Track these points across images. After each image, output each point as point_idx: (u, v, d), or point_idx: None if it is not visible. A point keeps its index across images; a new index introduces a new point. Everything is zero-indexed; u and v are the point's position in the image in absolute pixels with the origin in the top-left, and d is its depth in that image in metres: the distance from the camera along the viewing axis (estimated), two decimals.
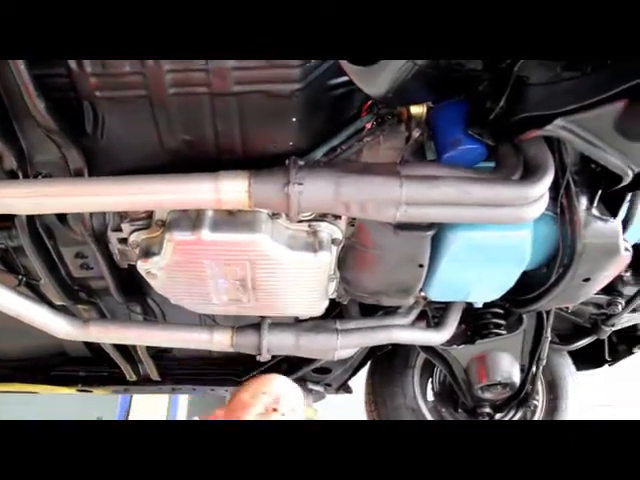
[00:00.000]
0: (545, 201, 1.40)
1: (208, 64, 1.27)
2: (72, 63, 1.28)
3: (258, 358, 1.89)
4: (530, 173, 1.36)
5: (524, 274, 1.73)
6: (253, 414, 1.57)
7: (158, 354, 2.41)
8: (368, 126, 1.49)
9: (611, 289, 2.10)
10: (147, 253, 1.55)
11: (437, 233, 1.54)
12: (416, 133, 1.50)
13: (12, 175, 1.45)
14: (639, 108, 1.19)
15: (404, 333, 1.97)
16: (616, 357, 2.72)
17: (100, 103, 1.36)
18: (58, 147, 1.41)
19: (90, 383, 2.54)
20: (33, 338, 2.06)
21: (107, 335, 1.89)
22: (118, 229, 1.60)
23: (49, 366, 2.50)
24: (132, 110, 1.38)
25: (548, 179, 1.35)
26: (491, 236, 1.53)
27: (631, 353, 2.68)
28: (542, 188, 1.35)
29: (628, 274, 2.13)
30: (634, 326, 2.50)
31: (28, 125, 1.38)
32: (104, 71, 1.29)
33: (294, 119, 1.40)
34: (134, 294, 1.93)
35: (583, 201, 1.54)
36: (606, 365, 2.76)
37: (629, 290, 2.13)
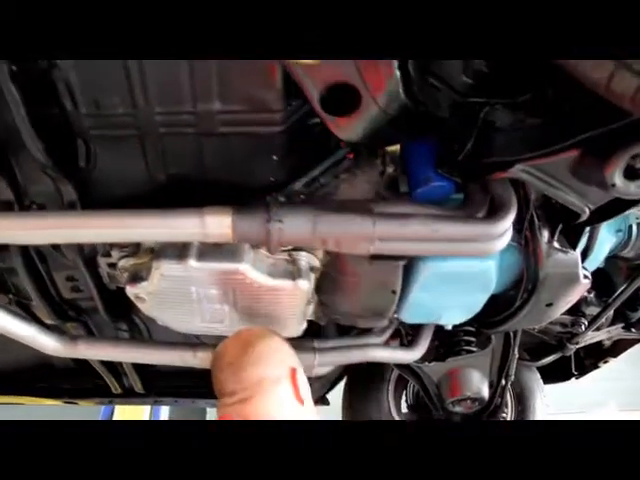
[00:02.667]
0: (508, 236, 1.50)
1: (196, 108, 1.36)
2: (67, 103, 1.36)
3: None
4: (494, 211, 1.46)
5: (492, 297, 1.84)
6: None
7: (142, 367, 2.48)
8: (350, 156, 1.59)
9: (575, 310, 2.23)
10: (135, 278, 1.63)
11: (408, 262, 1.65)
12: (390, 168, 1.59)
13: (8, 206, 1.53)
14: (591, 157, 1.30)
15: (379, 352, 2.07)
16: (583, 371, 2.85)
17: (93, 140, 1.45)
18: (53, 181, 1.49)
19: (75, 395, 2.61)
20: (19, 351, 2.11)
21: (95, 352, 1.97)
22: (107, 255, 1.68)
23: (35, 378, 2.57)
24: (123, 147, 1.46)
25: (510, 217, 1.45)
26: (459, 266, 1.64)
27: (597, 367, 2.80)
28: (505, 226, 1.45)
29: (591, 295, 2.26)
30: (600, 341, 2.63)
31: (23, 158, 1.45)
32: (98, 112, 1.38)
33: (275, 157, 1.49)
34: (121, 313, 2.01)
35: (545, 234, 1.65)
36: (573, 378, 2.89)
37: (592, 310, 2.27)
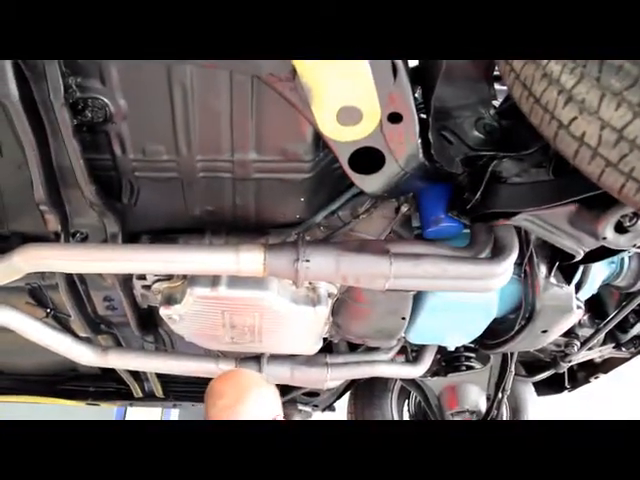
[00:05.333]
0: (509, 274, 1.66)
1: (234, 157, 1.52)
2: (117, 150, 1.51)
3: None
4: (497, 252, 1.62)
5: (492, 320, 2.01)
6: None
7: (163, 373, 2.63)
8: None
9: (569, 332, 2.38)
10: (169, 301, 1.79)
11: (418, 292, 1.81)
12: (404, 208, 1.75)
13: (56, 235, 1.68)
14: (587, 212, 1.46)
15: (386, 368, 2.24)
16: (575, 384, 3.00)
17: (137, 181, 1.60)
18: (98, 215, 1.63)
19: (98, 398, 2.76)
20: (47, 355, 2.25)
21: (124, 363, 2.13)
22: (142, 277, 1.83)
23: (60, 381, 2.73)
24: (164, 187, 1.62)
25: (512, 259, 1.61)
26: (463, 297, 1.81)
27: (588, 382, 2.96)
28: (506, 266, 1.60)
29: (585, 317, 2.41)
30: (592, 358, 2.78)
31: (73, 194, 1.60)
32: (144, 157, 1.53)
33: (302, 199, 1.65)
34: (149, 327, 2.16)
35: (543, 270, 1.82)
36: (565, 391, 3.05)
37: (585, 332, 2.42)
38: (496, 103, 1.72)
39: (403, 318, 1.89)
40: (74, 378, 2.73)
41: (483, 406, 2.60)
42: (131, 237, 1.75)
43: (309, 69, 1.14)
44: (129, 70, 1.36)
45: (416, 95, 1.48)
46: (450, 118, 1.59)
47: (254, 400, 1.55)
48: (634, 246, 1.52)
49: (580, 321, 2.39)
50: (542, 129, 1.16)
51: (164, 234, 1.79)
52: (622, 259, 2.11)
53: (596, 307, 2.38)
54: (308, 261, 1.52)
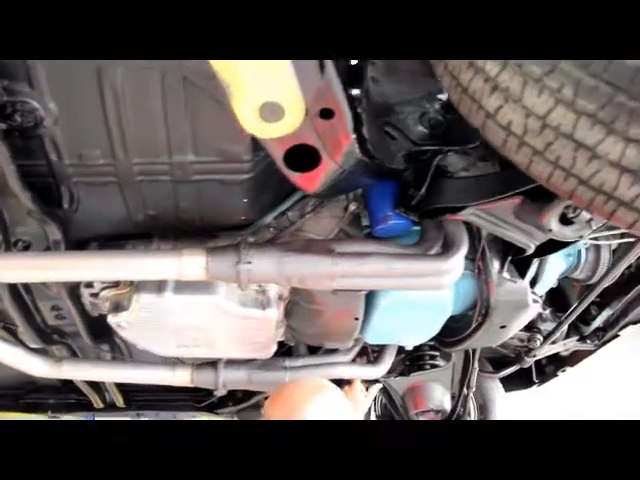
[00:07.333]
0: (459, 270, 1.63)
1: (172, 159, 1.48)
2: (52, 155, 1.47)
3: (215, 393, 2.11)
4: (446, 248, 1.60)
5: (451, 317, 1.99)
6: None
7: (123, 382, 2.58)
8: None
9: (531, 326, 2.38)
10: (117, 308, 1.75)
11: (370, 292, 1.79)
12: (353, 206, 1.73)
13: None
14: (531, 205, 1.45)
15: (346, 369, 2.20)
16: (543, 379, 3.00)
17: (76, 186, 1.56)
18: (38, 222, 1.59)
19: (59, 410, 2.71)
20: (2, 368, 2.19)
21: (79, 373, 2.09)
22: (90, 285, 1.79)
23: (19, 394, 2.67)
24: (104, 192, 1.58)
25: (461, 255, 1.59)
26: (416, 295, 1.79)
27: (556, 375, 2.95)
28: (455, 262, 1.58)
29: (547, 312, 2.41)
30: (558, 352, 2.78)
31: (11, 203, 1.55)
32: (80, 162, 1.49)
33: (245, 200, 1.62)
34: (103, 336, 2.12)
35: (496, 265, 1.80)
36: (534, 386, 3.04)
37: (548, 326, 2.41)
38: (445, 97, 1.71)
39: (356, 319, 1.86)
40: (34, 390, 2.67)
41: (448, 405, 2.58)
42: (79, 244, 1.71)
43: (225, 66, 1.11)
44: (58, 72, 1.32)
45: (356, 91, 1.46)
46: (393, 114, 1.57)
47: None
48: (581, 237, 1.51)
49: (542, 315, 2.39)
50: (471, 119, 1.14)
51: (113, 240, 1.75)
52: (579, 251, 2.10)
53: (558, 300, 2.38)
54: (250, 263, 1.49)
